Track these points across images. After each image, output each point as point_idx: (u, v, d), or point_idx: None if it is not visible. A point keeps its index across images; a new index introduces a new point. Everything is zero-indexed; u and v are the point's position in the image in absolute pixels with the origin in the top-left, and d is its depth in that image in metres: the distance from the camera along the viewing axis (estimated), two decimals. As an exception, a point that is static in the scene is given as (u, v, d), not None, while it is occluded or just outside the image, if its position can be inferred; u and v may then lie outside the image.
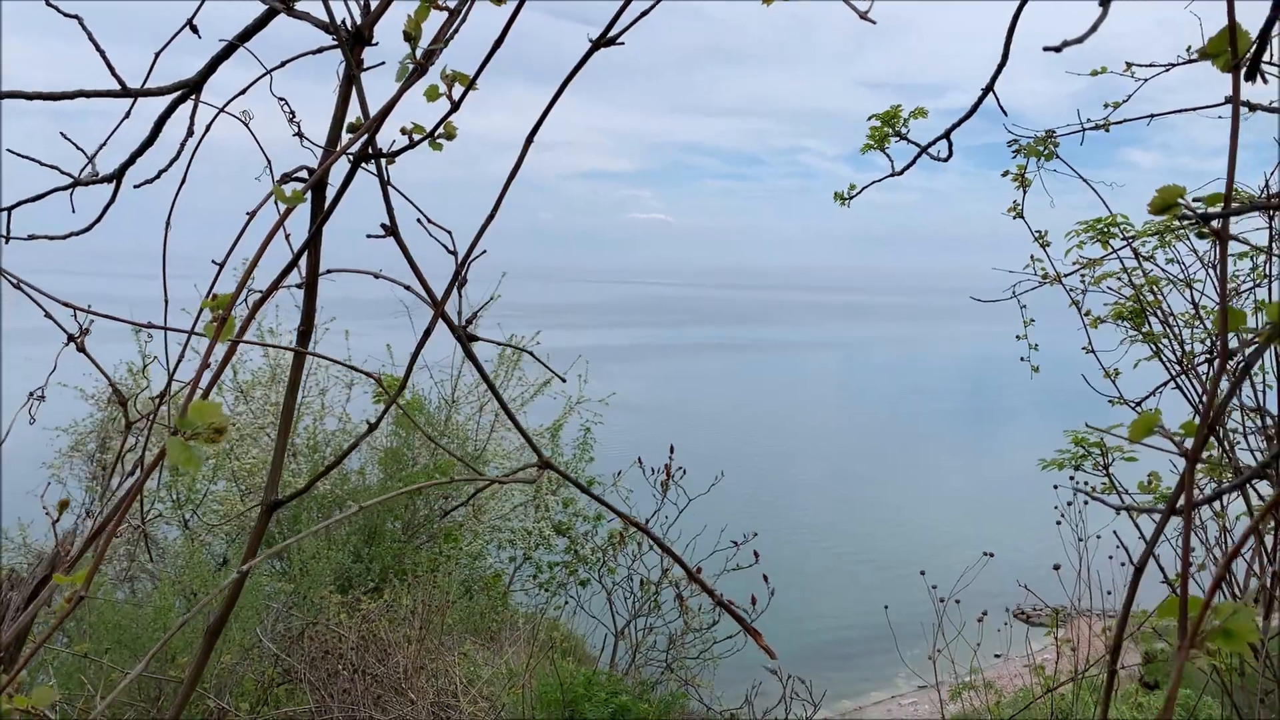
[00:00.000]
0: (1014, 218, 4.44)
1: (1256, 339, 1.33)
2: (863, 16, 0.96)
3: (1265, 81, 1.48)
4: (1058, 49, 0.97)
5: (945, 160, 2.56)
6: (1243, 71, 1.27)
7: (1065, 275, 4.32)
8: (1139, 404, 4.23)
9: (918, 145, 2.63)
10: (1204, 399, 1.15)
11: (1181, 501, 1.11)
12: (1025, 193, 4.37)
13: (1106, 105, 4.66)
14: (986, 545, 4.09)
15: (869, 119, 2.72)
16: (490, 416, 13.24)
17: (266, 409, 12.08)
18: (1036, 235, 4.48)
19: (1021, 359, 4.61)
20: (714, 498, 9.45)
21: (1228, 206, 1.34)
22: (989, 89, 2.30)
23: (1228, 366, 1.05)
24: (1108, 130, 4.50)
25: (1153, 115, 4.61)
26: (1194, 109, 4.11)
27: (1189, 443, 1.14)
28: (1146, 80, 4.48)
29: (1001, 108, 2.36)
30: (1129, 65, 4.52)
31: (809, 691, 6.84)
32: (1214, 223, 1.40)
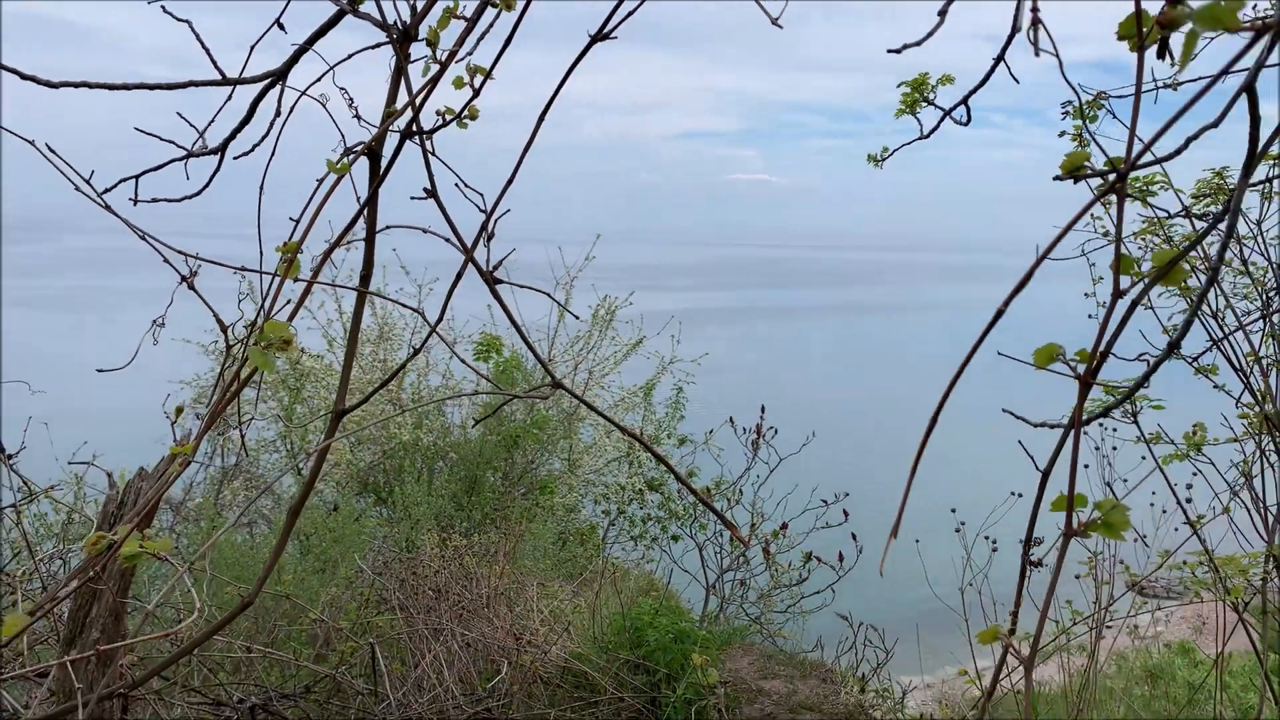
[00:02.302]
0: (1075, 182, 4.54)
1: (1146, 278, 1.56)
2: (774, 22, 1.21)
3: (1172, 58, 1.69)
4: (898, 51, 1.21)
5: (965, 125, 2.76)
6: (1152, 51, 1.49)
7: (1127, 237, 4.41)
8: (1196, 359, 4.33)
9: (942, 109, 2.82)
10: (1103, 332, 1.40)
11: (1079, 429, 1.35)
12: (1253, 121, 4.46)
13: (1173, 66, 4.71)
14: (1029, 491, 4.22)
15: (899, 85, 2.92)
16: (584, 374, 13.60)
17: (374, 365, 12.67)
18: (1098, 193, 4.58)
19: (1089, 316, 4.73)
20: (808, 459, 9.50)
21: (1127, 169, 1.56)
22: (1000, 58, 2.49)
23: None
24: (1175, 89, 4.57)
25: (1216, 76, 4.66)
26: (1262, 68, 4.16)
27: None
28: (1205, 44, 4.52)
29: (1013, 76, 2.54)
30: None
31: (882, 639, 7.01)
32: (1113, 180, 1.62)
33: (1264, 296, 3.97)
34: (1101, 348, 1.52)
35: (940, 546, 5.36)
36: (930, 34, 1.15)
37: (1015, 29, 1.29)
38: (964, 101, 2.72)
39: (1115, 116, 4.45)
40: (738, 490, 9.44)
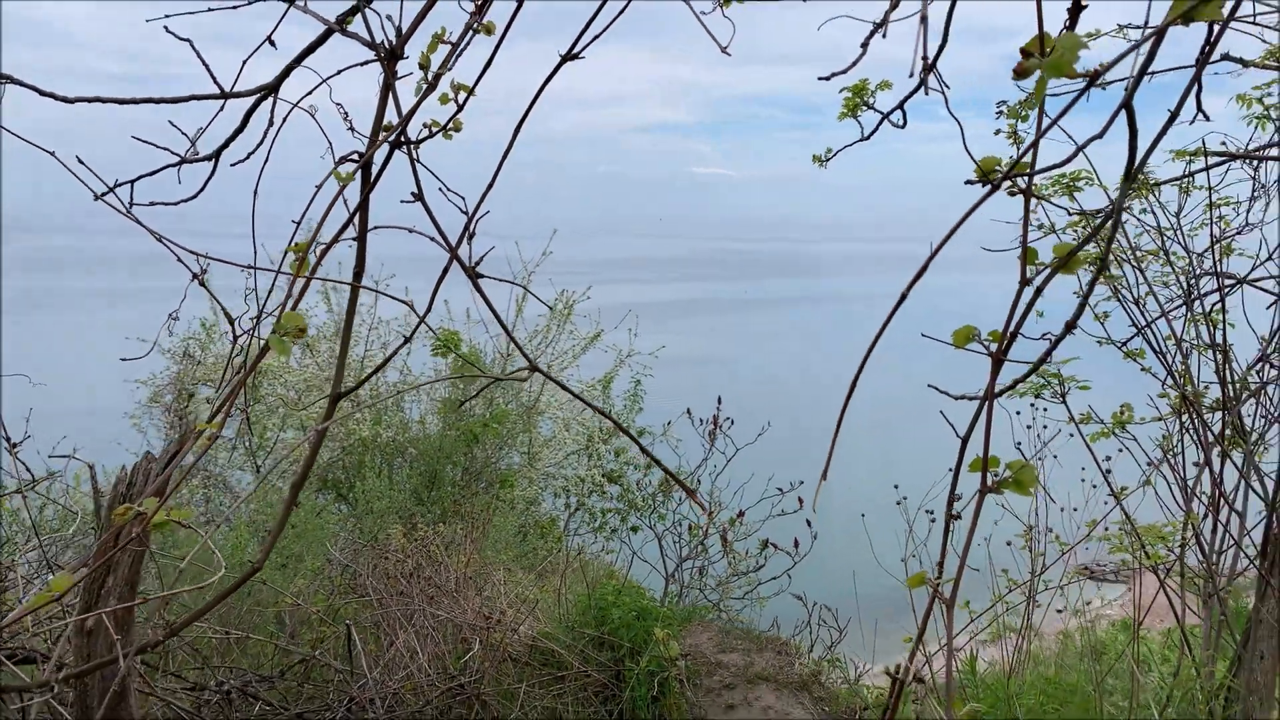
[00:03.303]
0: (984, 185, 4.81)
1: (1050, 267, 1.78)
2: (723, 50, 1.41)
3: (1108, 67, 1.91)
4: (826, 78, 1.41)
5: (902, 128, 2.98)
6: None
7: (1061, 228, 4.68)
8: (1125, 343, 4.61)
9: (881, 113, 3.04)
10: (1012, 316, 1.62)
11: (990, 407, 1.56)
12: (1018, 148, 4.74)
13: (1101, 65, 4.99)
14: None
15: (840, 91, 3.14)
16: (543, 367, 13.73)
17: (331, 361, 12.72)
18: (1031, 190, 4.85)
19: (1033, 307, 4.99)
20: (765, 449, 9.67)
21: (1033, 171, 1.79)
22: (930, 68, 2.71)
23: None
24: (1104, 89, 4.83)
25: (1153, 73, 4.93)
26: (1180, 67, 4.44)
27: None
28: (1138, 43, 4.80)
29: (943, 83, 2.76)
30: (1120, 27, 4.84)
31: (835, 619, 7.25)
32: (1020, 182, 1.85)
33: (1185, 285, 4.25)
34: (1010, 329, 1.74)
35: (896, 531, 5.56)
36: (854, 64, 1.35)
37: (913, 75, 1.50)
38: (900, 106, 2.94)
39: (1047, 115, 4.70)
40: (695, 480, 9.64)
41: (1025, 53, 1.09)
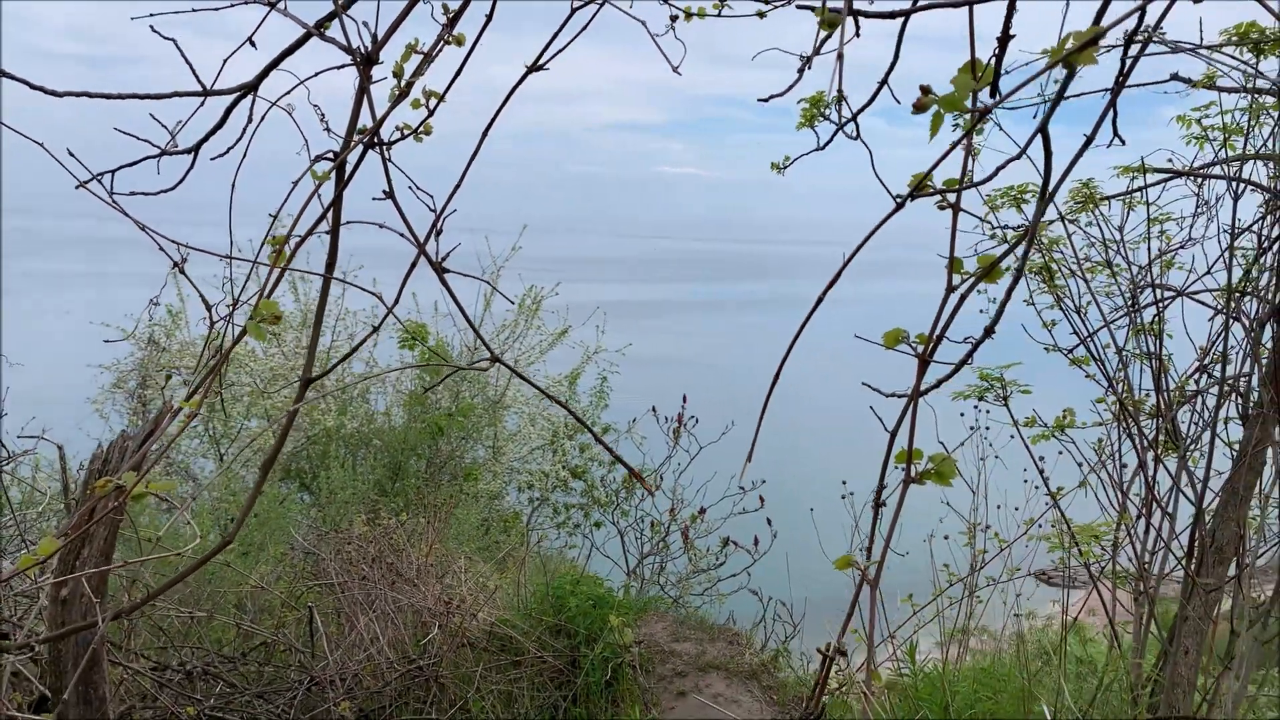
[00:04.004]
0: (967, 185, 4.98)
1: (972, 277, 1.92)
2: (674, 69, 1.53)
3: (1001, 100, 2.06)
4: (765, 100, 1.54)
5: (855, 139, 3.12)
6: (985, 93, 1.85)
7: (1017, 240, 4.85)
8: (1073, 349, 4.79)
9: (835, 124, 3.18)
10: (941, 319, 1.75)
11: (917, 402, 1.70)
12: (974, 161, 4.91)
13: (989, 102, 5.19)
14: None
15: (798, 102, 3.28)
16: (510, 363, 13.79)
17: (298, 351, 12.75)
18: (985, 199, 5.03)
19: (980, 311, 5.17)
20: (728, 448, 9.78)
21: (960, 188, 1.93)
22: (883, 82, 2.85)
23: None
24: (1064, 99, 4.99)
25: (1108, 89, 5.12)
26: (1147, 84, 4.63)
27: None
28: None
29: (895, 98, 2.90)
30: (1149, 31, 5.01)
31: (790, 614, 7.41)
32: (950, 197, 1.99)
33: (1128, 296, 4.43)
34: (936, 333, 1.88)
35: (845, 527, 5.71)
36: (792, 86, 1.48)
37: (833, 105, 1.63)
38: (854, 118, 3.08)
39: (1000, 128, 4.89)
40: (658, 477, 9.76)
41: (924, 89, 1.22)
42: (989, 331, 1.83)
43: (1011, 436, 4.02)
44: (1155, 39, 4.54)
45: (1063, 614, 3.84)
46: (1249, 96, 3.85)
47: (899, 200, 1.73)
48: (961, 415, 4.40)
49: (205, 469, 12.68)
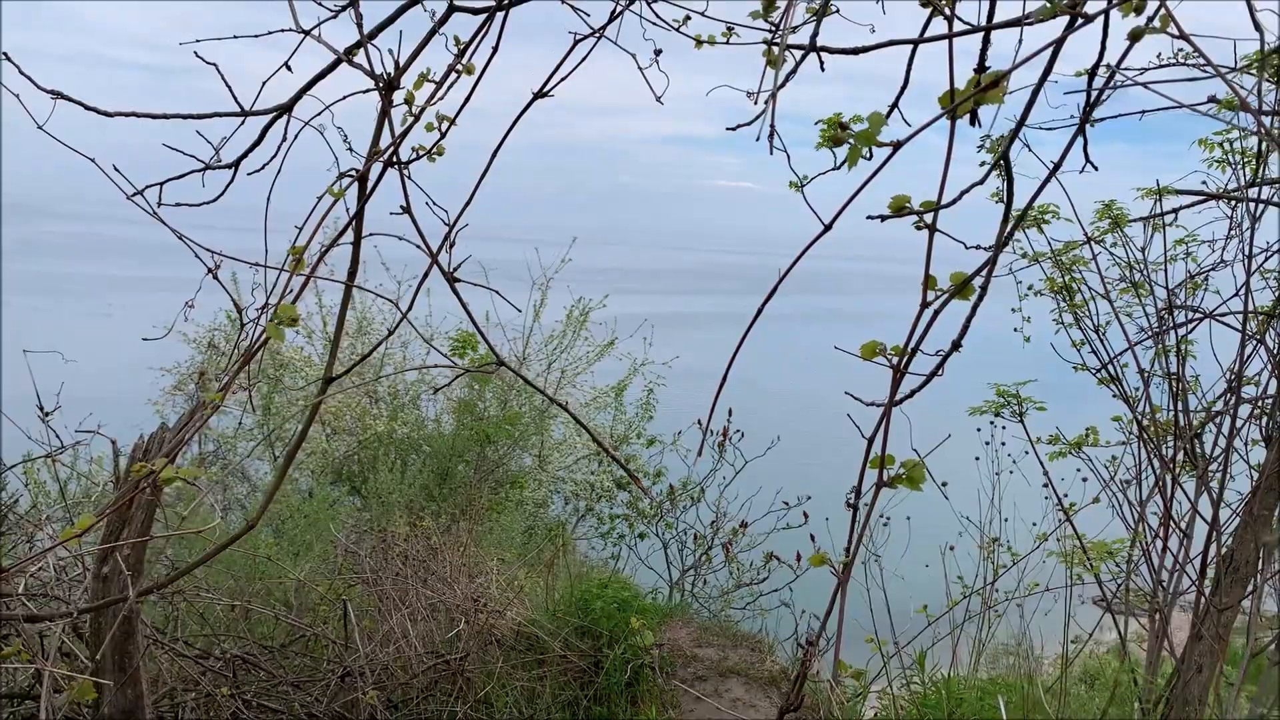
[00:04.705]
0: (996, 202, 5.05)
1: (947, 290, 2.03)
2: (658, 99, 1.66)
3: (980, 124, 2.17)
4: (733, 129, 1.67)
5: (869, 159, 3.23)
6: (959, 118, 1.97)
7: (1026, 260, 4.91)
8: (1102, 368, 4.83)
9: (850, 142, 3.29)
10: (916, 332, 1.86)
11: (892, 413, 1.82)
12: (1008, 181, 4.96)
13: (1110, 89, 5.23)
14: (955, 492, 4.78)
15: (815, 123, 3.38)
16: (557, 374, 13.97)
17: (351, 358, 13.04)
18: (1017, 220, 5.08)
19: (1015, 329, 5.22)
20: (774, 462, 9.80)
21: (936, 210, 2.04)
22: (894, 106, 2.97)
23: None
24: (1093, 125, 5.06)
25: (1144, 112, 5.16)
26: (1178, 106, 4.66)
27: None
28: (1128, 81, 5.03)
29: (906, 120, 3.00)
30: (1111, 68, 5.06)
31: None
32: (927, 219, 2.10)
33: (1152, 318, 4.46)
34: (911, 346, 1.99)
35: (927, 556, 5.69)
36: (755, 119, 1.61)
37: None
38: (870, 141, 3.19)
39: (1029, 149, 4.95)
40: (701, 490, 9.83)
41: (841, 126, 1.34)
42: (956, 345, 1.93)
43: (1026, 452, 4.08)
44: (1187, 63, 4.59)
45: (1064, 644, 3.88)
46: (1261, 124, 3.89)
47: (826, 225, 1.86)
48: (978, 431, 4.46)
49: (260, 470, 13.01)
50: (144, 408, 12.86)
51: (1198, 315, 4.53)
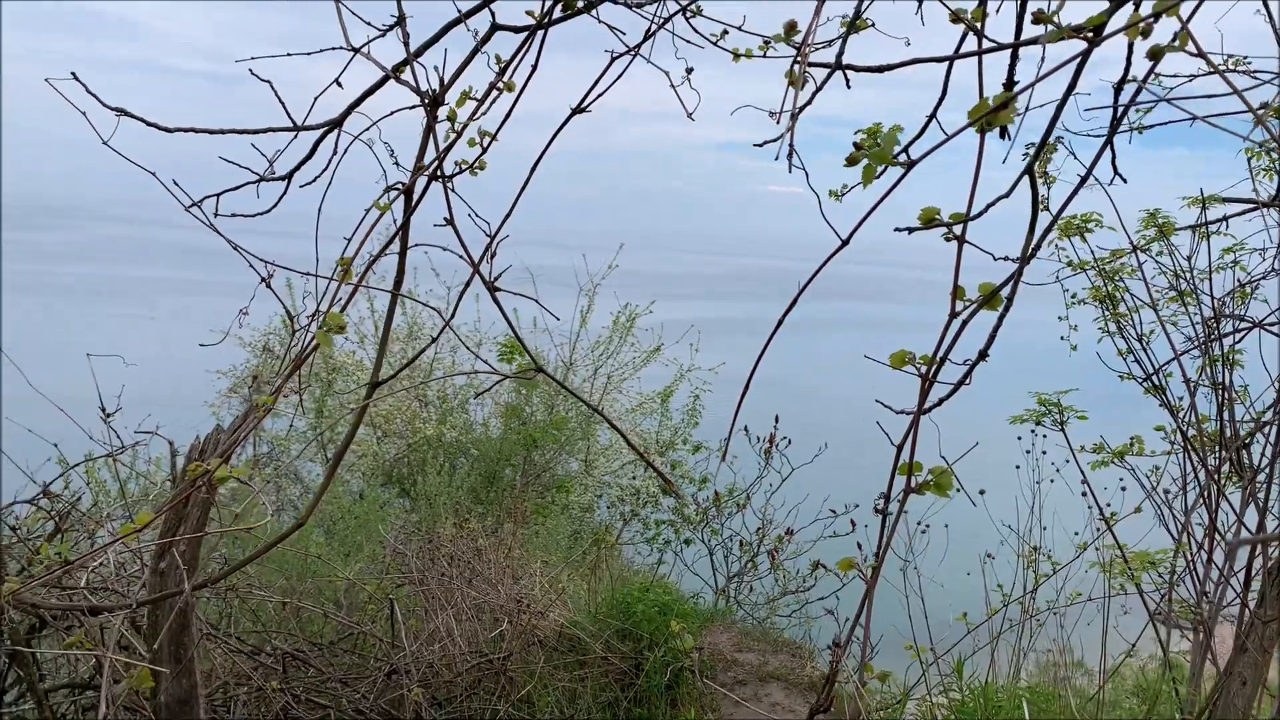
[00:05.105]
0: (1042, 210, 5.04)
1: (973, 304, 2.06)
2: (689, 115, 1.72)
3: (1009, 138, 2.21)
4: (760, 145, 1.72)
5: (906, 170, 3.26)
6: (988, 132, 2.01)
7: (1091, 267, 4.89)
8: (1147, 378, 4.80)
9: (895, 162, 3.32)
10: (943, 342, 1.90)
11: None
12: (1050, 188, 4.96)
13: (1137, 110, 5.21)
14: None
15: (855, 133, 3.41)
16: (603, 380, 14.05)
17: (402, 361, 13.24)
18: (1062, 227, 5.07)
19: (1061, 338, 5.21)
20: (821, 470, 9.76)
21: (965, 222, 2.08)
22: (932, 116, 2.99)
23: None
24: (1140, 132, 5.05)
25: (1194, 118, 5.12)
26: (1227, 113, 4.63)
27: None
28: (1171, 89, 5.00)
29: (943, 129, 3.03)
30: (1156, 75, 5.05)
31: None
32: (956, 230, 2.13)
33: (1200, 328, 4.43)
34: (940, 355, 2.02)
35: (967, 564, 5.65)
36: (780, 137, 1.66)
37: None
38: (905, 149, 3.22)
39: (1075, 156, 4.94)
40: (747, 496, 9.82)
41: (857, 145, 1.39)
42: (982, 355, 1.96)
43: (1067, 461, 4.08)
44: (1237, 70, 4.55)
45: (1102, 653, 3.86)
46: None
47: (844, 240, 1.91)
48: (1018, 439, 4.46)
49: (313, 472, 13.23)
50: (198, 410, 13.17)
51: (1246, 324, 4.49)
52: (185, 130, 2.23)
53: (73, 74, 2.09)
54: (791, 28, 1.91)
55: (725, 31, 2.48)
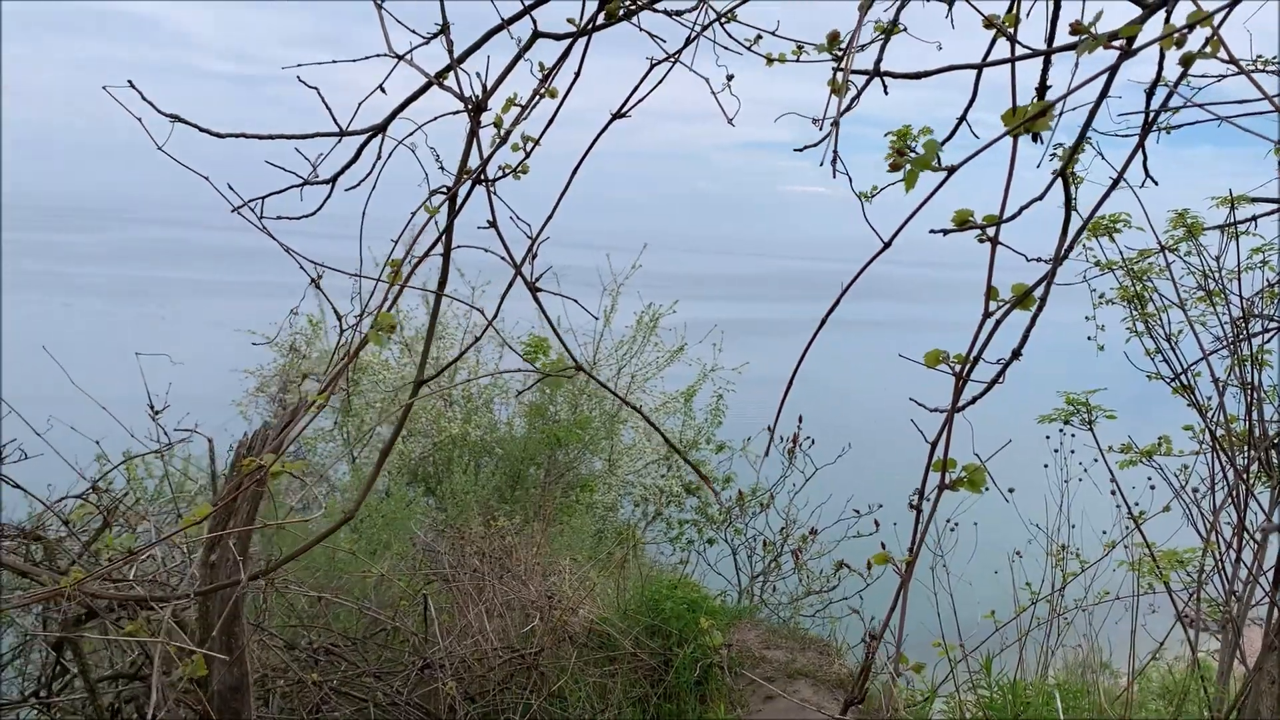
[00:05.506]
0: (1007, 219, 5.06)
1: (1007, 303, 2.10)
2: (730, 121, 1.77)
3: (1041, 141, 2.24)
4: (800, 150, 1.76)
5: (937, 170, 3.30)
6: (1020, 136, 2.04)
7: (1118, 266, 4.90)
8: (1175, 378, 4.81)
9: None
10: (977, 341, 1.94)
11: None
12: (1077, 189, 4.97)
13: (1166, 110, 5.21)
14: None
15: (885, 135, 3.45)
16: (627, 379, 14.09)
17: (430, 361, 13.32)
18: (1091, 227, 5.08)
19: (1089, 338, 5.22)
20: (844, 470, 9.77)
21: (999, 224, 2.11)
22: (962, 118, 3.04)
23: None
24: (1168, 132, 5.06)
25: (1221, 119, 5.12)
26: (1255, 114, 4.64)
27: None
28: (1200, 89, 5.00)
29: (974, 133, 3.07)
30: (1169, 85, 5.06)
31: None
32: (989, 231, 2.17)
33: (1228, 328, 4.44)
34: (974, 354, 2.06)
35: (995, 562, 5.63)
36: (820, 141, 1.71)
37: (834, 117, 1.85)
38: (937, 152, 3.26)
39: (1103, 157, 4.94)
40: (770, 496, 9.84)
41: (899, 151, 1.43)
42: (1015, 354, 2.00)
43: (1095, 460, 4.10)
44: (1267, 69, 4.56)
45: (1131, 655, 3.88)
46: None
47: (886, 242, 1.95)
48: (1046, 439, 4.48)
49: (339, 470, 13.34)
50: (224, 409, 13.31)
51: (1275, 324, 4.50)
52: (235, 135, 2.30)
53: (129, 82, 2.16)
54: (834, 38, 1.95)
55: (759, 36, 2.53)
